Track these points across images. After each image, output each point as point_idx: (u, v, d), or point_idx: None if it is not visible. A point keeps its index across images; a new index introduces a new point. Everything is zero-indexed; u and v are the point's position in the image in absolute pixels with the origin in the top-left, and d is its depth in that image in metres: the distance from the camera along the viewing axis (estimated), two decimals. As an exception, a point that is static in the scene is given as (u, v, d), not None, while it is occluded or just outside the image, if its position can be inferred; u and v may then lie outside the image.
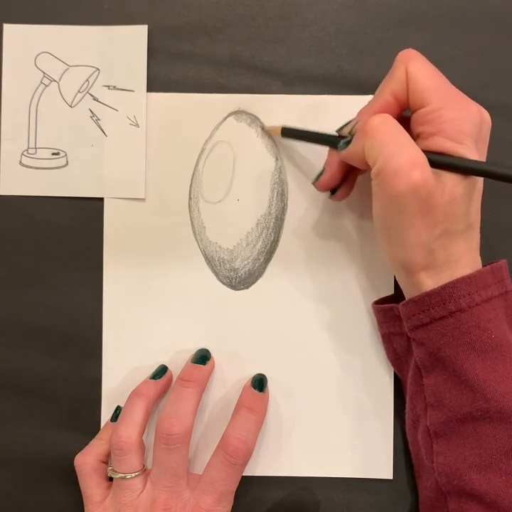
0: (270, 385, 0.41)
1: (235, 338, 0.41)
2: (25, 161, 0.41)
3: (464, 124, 0.32)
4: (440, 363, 0.34)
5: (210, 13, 0.41)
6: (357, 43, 0.41)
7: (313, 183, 0.38)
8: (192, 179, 0.41)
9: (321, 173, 0.38)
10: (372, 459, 0.41)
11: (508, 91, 0.41)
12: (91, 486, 0.37)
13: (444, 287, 0.33)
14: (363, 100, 0.40)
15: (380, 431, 0.41)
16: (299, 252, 0.41)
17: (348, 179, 0.38)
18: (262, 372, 0.41)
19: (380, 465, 0.41)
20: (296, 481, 0.41)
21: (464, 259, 0.33)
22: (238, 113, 0.41)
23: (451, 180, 0.32)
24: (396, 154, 0.31)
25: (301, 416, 0.41)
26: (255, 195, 0.41)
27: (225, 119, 0.41)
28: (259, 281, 0.41)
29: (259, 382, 0.40)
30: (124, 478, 0.36)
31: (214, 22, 0.41)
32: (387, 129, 0.32)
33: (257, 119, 0.41)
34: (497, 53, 0.41)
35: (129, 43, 0.41)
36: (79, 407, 0.41)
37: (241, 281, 0.41)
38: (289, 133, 0.39)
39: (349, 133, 0.35)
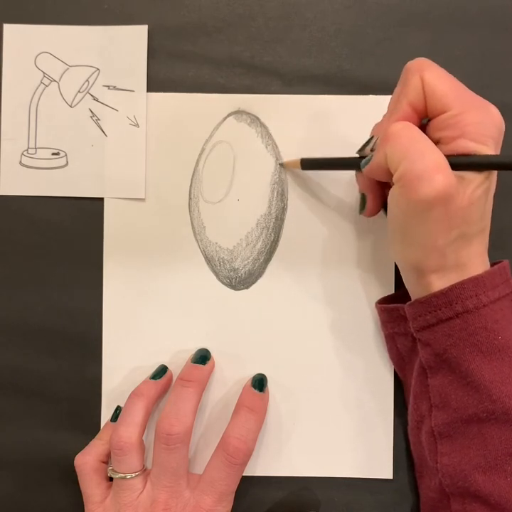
0: (270, 385, 0.41)
1: (235, 338, 0.41)
2: (25, 161, 0.41)
3: (488, 127, 0.32)
4: (446, 364, 0.34)
5: (210, 13, 0.41)
6: (357, 43, 0.41)
7: (361, 213, 0.38)
8: (192, 179, 0.41)
9: (363, 201, 0.37)
10: (373, 458, 0.41)
11: (508, 91, 0.41)
12: (91, 486, 0.37)
13: (451, 288, 0.33)
14: (362, 100, 0.41)
15: (380, 431, 0.41)
16: (299, 252, 0.41)
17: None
18: (262, 372, 0.41)
19: (381, 465, 0.41)
20: (296, 481, 0.41)
21: (475, 261, 0.33)
22: (238, 113, 0.41)
23: (473, 183, 0.32)
24: (419, 159, 0.31)
25: (301, 416, 0.41)
26: (255, 195, 0.41)
27: (225, 119, 0.41)
28: (259, 281, 0.41)
29: (259, 382, 0.40)
30: (124, 478, 0.36)
31: (214, 22, 0.41)
32: (409, 135, 0.32)
33: (257, 119, 0.41)
34: (497, 53, 0.41)
35: (129, 43, 0.41)
36: (79, 407, 0.41)
37: (241, 281, 0.41)
38: (308, 164, 0.39)
39: (371, 150, 0.35)
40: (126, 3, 0.41)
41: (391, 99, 0.35)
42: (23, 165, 0.41)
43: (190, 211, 0.41)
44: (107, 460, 0.39)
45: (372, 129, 0.36)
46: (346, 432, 0.41)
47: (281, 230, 0.41)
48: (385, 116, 0.35)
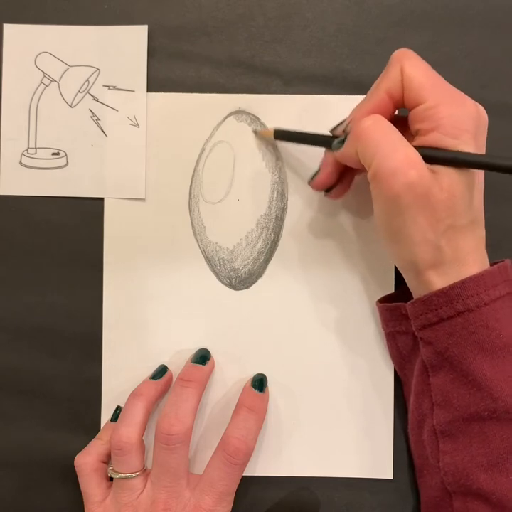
0: (270, 385, 0.41)
1: (235, 338, 0.41)
2: (25, 161, 0.41)
3: (462, 120, 0.32)
4: (448, 363, 0.34)
5: (210, 13, 0.41)
6: (357, 43, 0.41)
7: (309, 183, 0.39)
8: (192, 179, 0.41)
9: (316, 173, 0.38)
10: (372, 458, 0.41)
11: (508, 91, 0.41)
12: (91, 486, 0.37)
13: (452, 287, 0.33)
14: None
15: (380, 430, 0.41)
16: (299, 251, 0.41)
17: (344, 178, 0.38)
18: (262, 372, 0.41)
19: (380, 465, 0.41)
20: (296, 481, 0.41)
21: (472, 256, 0.33)
22: (238, 113, 0.41)
23: (448, 176, 0.32)
24: (390, 155, 0.31)
25: (301, 416, 0.41)
26: (255, 195, 0.41)
27: (225, 119, 0.41)
28: (259, 281, 0.41)
29: (259, 382, 0.40)
30: (124, 478, 0.36)
31: (214, 22, 0.41)
32: (380, 130, 0.32)
33: (257, 119, 0.41)
34: (497, 53, 0.41)
35: (129, 43, 0.41)
36: (79, 407, 0.41)
37: (241, 281, 0.41)
38: (281, 135, 0.39)
39: (343, 132, 0.35)
40: (126, 3, 0.41)
41: (372, 85, 0.35)
42: (23, 165, 0.41)
43: (190, 211, 0.41)
44: (107, 460, 0.39)
45: (351, 112, 0.36)
46: (346, 432, 0.41)
47: (281, 230, 0.41)
48: (363, 100, 0.35)
